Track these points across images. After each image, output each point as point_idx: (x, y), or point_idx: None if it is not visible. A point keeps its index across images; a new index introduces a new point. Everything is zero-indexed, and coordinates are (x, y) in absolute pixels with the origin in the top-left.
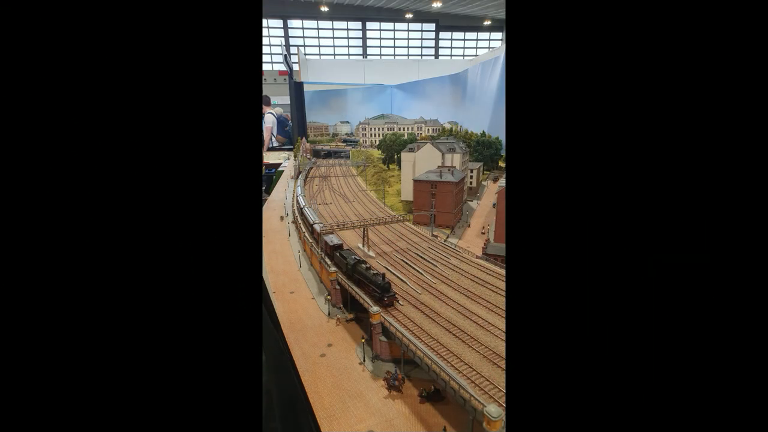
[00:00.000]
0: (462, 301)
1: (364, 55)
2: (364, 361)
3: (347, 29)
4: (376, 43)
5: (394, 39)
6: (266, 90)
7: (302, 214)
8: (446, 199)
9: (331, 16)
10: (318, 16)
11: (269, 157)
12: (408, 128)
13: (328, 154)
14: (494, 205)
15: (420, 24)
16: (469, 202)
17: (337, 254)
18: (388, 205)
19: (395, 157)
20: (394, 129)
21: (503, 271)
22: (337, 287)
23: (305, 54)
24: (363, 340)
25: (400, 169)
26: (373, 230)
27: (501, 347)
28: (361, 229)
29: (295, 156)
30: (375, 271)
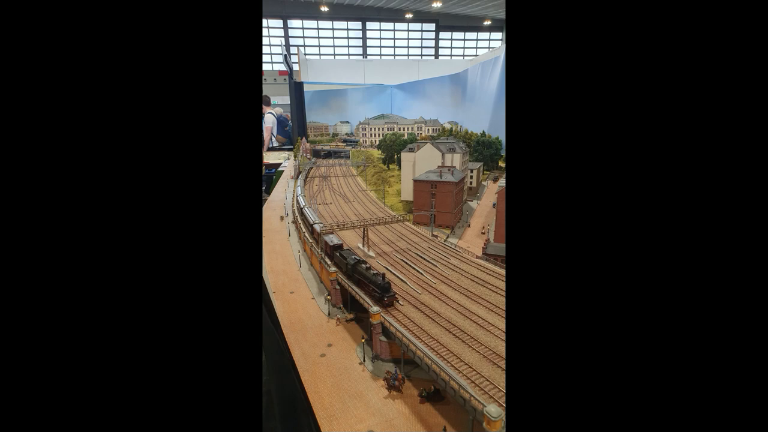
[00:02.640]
0: (462, 301)
1: (364, 55)
2: (364, 361)
3: (347, 29)
4: (376, 43)
5: (394, 39)
6: (266, 90)
7: (302, 214)
8: (446, 199)
9: (331, 16)
10: (318, 16)
11: (269, 157)
12: (408, 128)
13: (328, 154)
14: (494, 205)
15: (420, 24)
16: (469, 202)
17: (337, 254)
18: (388, 205)
19: (395, 157)
20: (394, 129)
21: (503, 271)
22: (337, 287)
23: (305, 54)
24: (363, 340)
25: (400, 169)
26: (373, 230)
27: (501, 347)
28: (361, 229)
29: (295, 156)
30: (375, 271)
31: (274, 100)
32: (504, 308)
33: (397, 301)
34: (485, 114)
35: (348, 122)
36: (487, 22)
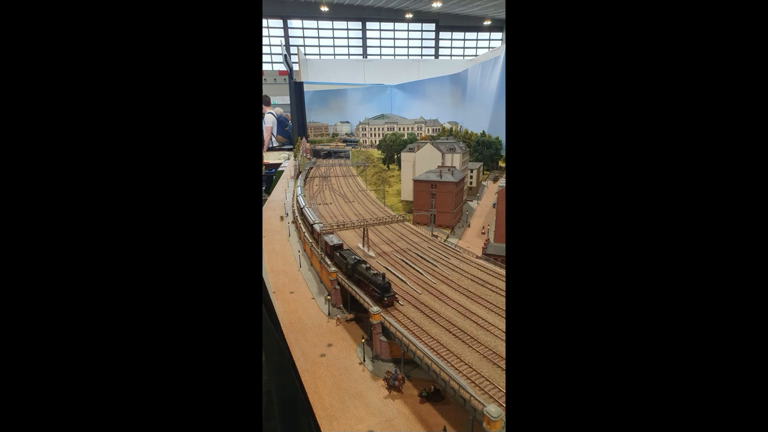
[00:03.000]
0: (462, 301)
1: (364, 55)
2: (364, 361)
3: (347, 29)
4: (376, 43)
5: (394, 39)
6: (266, 90)
7: (302, 214)
8: (446, 199)
9: (331, 16)
10: (318, 16)
11: (269, 157)
12: (408, 128)
13: (328, 154)
14: (494, 205)
15: (420, 24)
16: (469, 202)
17: (337, 254)
18: (388, 205)
19: (395, 157)
20: (394, 129)
21: (503, 271)
22: (337, 287)
23: (305, 54)
24: (363, 340)
25: (400, 169)
26: (373, 230)
27: (501, 347)
28: (361, 229)
29: (295, 156)
30: (375, 271)
31: (274, 100)
32: (504, 308)
33: (397, 301)
34: (485, 114)
35: (348, 122)
36: (487, 22)
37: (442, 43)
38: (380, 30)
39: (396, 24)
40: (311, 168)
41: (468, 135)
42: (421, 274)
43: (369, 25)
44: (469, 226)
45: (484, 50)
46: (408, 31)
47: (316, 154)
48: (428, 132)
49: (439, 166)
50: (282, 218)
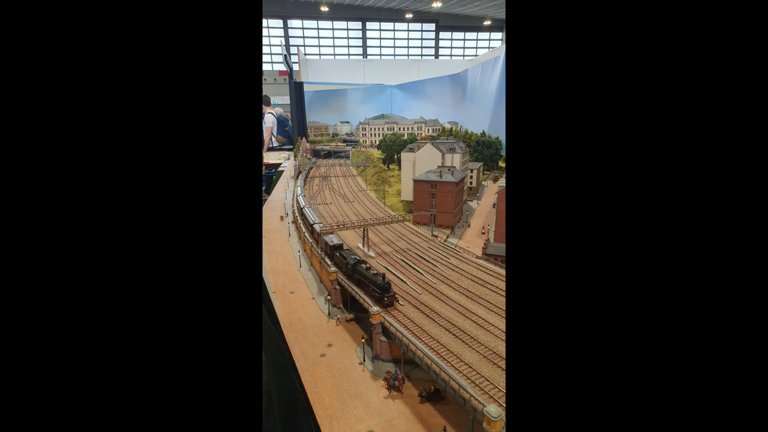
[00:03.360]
0: (462, 301)
1: (364, 55)
2: (364, 361)
3: (347, 29)
4: (376, 43)
5: (394, 39)
6: (266, 90)
7: (302, 214)
8: (446, 199)
9: (331, 16)
10: (318, 16)
11: (269, 157)
12: (408, 128)
13: (328, 154)
14: (494, 205)
15: (420, 24)
16: (469, 202)
17: (337, 254)
18: (388, 205)
19: (395, 157)
20: (394, 129)
21: (503, 271)
22: (337, 287)
23: (305, 54)
24: (363, 340)
25: (400, 169)
26: (373, 230)
27: (501, 347)
28: (361, 229)
29: (295, 156)
30: (375, 271)
31: (274, 100)
32: (504, 308)
33: (397, 301)
34: (485, 114)
35: (348, 122)
36: (487, 22)
37: (442, 43)
38: (380, 30)
39: (396, 24)
40: (311, 168)
41: (468, 135)
42: (421, 274)
43: (369, 25)
44: (469, 226)
45: (484, 50)
46: (408, 31)
47: (316, 154)
48: (428, 132)
49: (439, 166)
50: (282, 218)
